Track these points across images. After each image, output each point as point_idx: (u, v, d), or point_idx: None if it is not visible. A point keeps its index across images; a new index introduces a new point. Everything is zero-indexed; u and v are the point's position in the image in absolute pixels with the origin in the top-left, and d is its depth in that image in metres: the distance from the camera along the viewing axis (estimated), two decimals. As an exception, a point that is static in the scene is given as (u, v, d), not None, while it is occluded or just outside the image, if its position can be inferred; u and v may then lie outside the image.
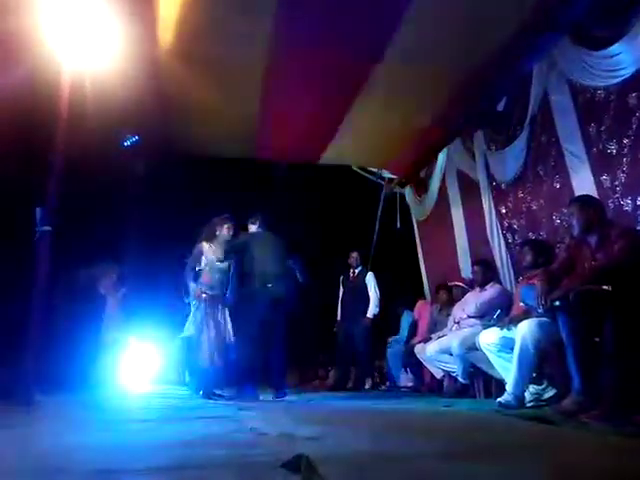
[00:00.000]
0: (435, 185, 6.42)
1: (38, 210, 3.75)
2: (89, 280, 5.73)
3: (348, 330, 5.98)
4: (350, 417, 2.90)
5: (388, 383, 6.35)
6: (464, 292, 5.08)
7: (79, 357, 4.98)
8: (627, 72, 3.45)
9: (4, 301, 3.98)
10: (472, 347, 4.04)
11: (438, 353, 4.66)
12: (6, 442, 1.87)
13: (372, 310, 5.95)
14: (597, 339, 2.59)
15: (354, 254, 6.25)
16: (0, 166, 3.38)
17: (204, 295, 4.39)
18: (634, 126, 3.48)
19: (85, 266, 5.55)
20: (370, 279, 6.10)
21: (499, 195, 5.17)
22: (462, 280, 5.35)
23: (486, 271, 4.73)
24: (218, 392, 4.31)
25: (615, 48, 3.52)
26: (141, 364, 6.38)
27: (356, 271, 6.22)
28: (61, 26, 3.77)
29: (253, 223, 4.75)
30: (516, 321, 3.34)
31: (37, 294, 3.66)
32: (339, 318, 6.22)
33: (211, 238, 4.58)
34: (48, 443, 1.81)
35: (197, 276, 4.50)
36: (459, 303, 4.94)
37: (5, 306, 3.97)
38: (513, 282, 4.85)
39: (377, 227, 7.51)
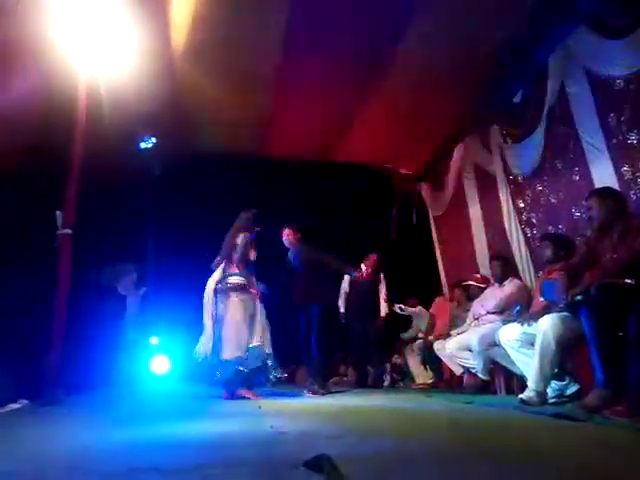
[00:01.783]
0: (451, 180, 6.36)
1: (58, 213, 3.82)
2: (109, 280, 5.81)
3: (362, 330, 6.00)
4: (370, 415, 2.89)
5: (407, 380, 6.32)
6: (480, 289, 5.03)
7: (101, 357, 5.06)
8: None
9: (27, 303, 4.06)
10: (492, 343, 4.01)
11: (458, 350, 4.62)
12: (31, 441, 1.90)
13: (385, 309, 6.09)
14: (621, 333, 2.55)
15: (374, 257, 6.25)
16: (20, 170, 3.44)
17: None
18: (655, 116, 3.41)
19: (105, 267, 5.63)
20: (382, 279, 6.18)
21: (517, 189, 5.10)
22: (476, 278, 5.30)
23: (505, 266, 4.67)
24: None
25: (634, 36, 3.44)
26: (163, 362, 6.46)
27: (369, 270, 6.20)
28: (77, 32, 3.84)
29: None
30: (537, 316, 3.29)
31: (59, 295, 3.74)
32: (346, 316, 6.21)
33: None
34: (71, 442, 1.84)
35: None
36: (478, 299, 4.90)
37: (28, 307, 4.04)
38: (533, 277, 4.79)
39: (393, 224, 7.48)
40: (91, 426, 2.39)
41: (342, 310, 6.23)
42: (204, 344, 4.14)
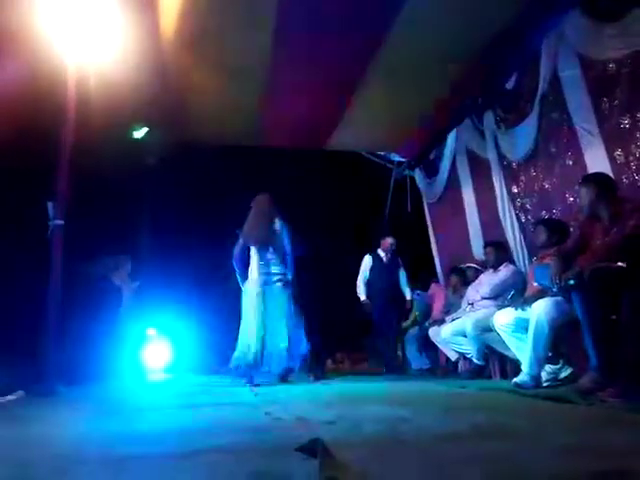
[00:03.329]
0: (445, 166, 6.36)
1: (50, 204, 3.79)
2: (104, 272, 5.79)
3: (385, 317, 5.84)
4: (366, 400, 2.91)
5: (404, 366, 6.35)
6: (477, 273, 5.05)
7: (97, 348, 5.05)
8: (638, 44, 3.37)
9: (22, 295, 4.04)
10: (487, 328, 4.03)
11: (453, 335, 4.65)
12: (28, 432, 1.90)
13: (409, 293, 6.01)
14: (614, 317, 2.57)
15: (391, 240, 6.06)
16: (10, 161, 3.40)
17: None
18: (648, 99, 3.41)
19: (99, 258, 5.61)
20: (400, 263, 6.08)
21: (510, 174, 5.10)
22: (475, 262, 5.32)
23: (498, 252, 4.68)
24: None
25: (626, 19, 3.43)
26: (158, 353, 6.48)
27: (389, 255, 6.08)
28: (65, 20, 3.78)
29: None
30: (530, 301, 3.32)
31: (53, 287, 3.72)
32: (367, 300, 5.94)
33: None
34: (68, 432, 1.84)
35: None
36: (473, 285, 4.92)
37: (23, 300, 4.03)
38: (527, 262, 4.81)
39: (387, 211, 7.48)
40: (87, 416, 2.40)
41: (363, 297, 5.95)
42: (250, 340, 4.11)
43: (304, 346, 4.22)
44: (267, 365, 4.14)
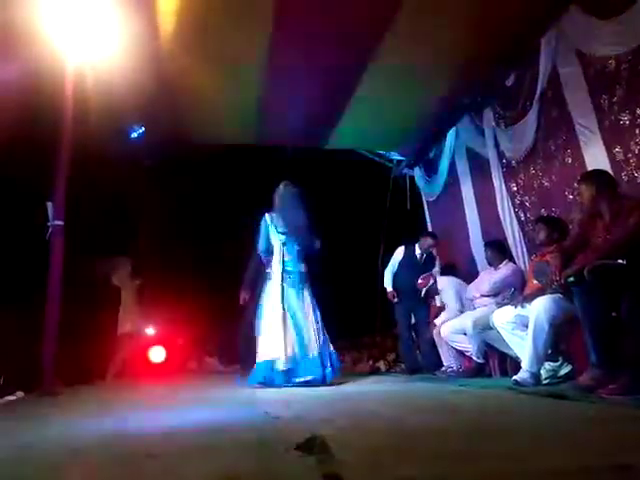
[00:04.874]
0: (445, 164, 6.34)
1: (49, 205, 3.79)
2: (104, 272, 5.80)
3: (408, 314, 5.62)
4: (364, 399, 2.91)
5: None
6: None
7: (97, 348, 5.06)
8: (638, 41, 3.36)
9: (23, 296, 4.04)
10: (486, 326, 4.02)
11: (452, 333, 4.64)
12: (32, 431, 1.90)
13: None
14: (614, 314, 2.56)
15: (431, 240, 5.71)
16: (8, 162, 3.40)
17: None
18: (647, 96, 3.40)
19: (99, 258, 5.62)
20: (437, 265, 5.82)
21: (510, 172, 5.09)
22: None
23: (497, 251, 4.68)
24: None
25: (625, 15, 3.42)
26: (157, 353, 6.48)
27: (424, 255, 5.70)
28: (63, 19, 3.78)
29: None
30: (530, 298, 3.32)
31: (52, 287, 3.72)
32: (393, 291, 5.65)
33: None
34: (69, 431, 1.84)
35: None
36: (473, 282, 4.92)
37: (24, 301, 4.03)
38: (526, 260, 4.80)
39: (387, 209, 7.47)
40: (87, 416, 2.39)
41: (390, 288, 5.65)
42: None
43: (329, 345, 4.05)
44: (303, 373, 3.84)
